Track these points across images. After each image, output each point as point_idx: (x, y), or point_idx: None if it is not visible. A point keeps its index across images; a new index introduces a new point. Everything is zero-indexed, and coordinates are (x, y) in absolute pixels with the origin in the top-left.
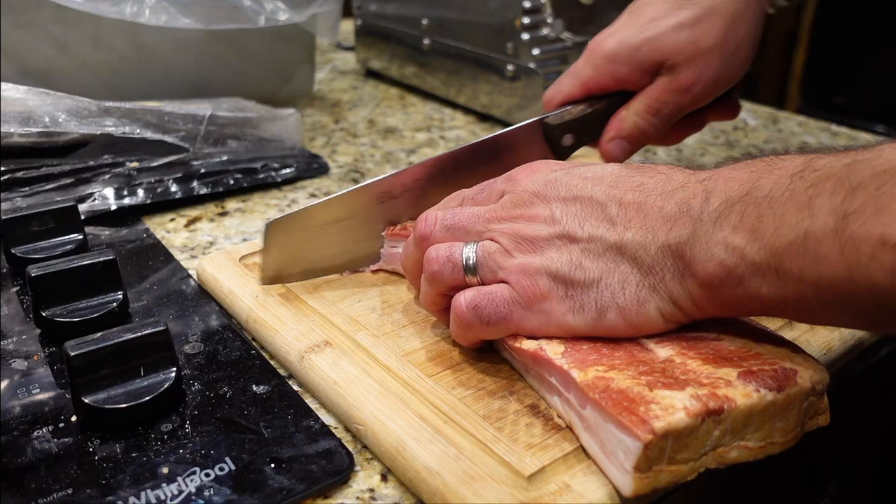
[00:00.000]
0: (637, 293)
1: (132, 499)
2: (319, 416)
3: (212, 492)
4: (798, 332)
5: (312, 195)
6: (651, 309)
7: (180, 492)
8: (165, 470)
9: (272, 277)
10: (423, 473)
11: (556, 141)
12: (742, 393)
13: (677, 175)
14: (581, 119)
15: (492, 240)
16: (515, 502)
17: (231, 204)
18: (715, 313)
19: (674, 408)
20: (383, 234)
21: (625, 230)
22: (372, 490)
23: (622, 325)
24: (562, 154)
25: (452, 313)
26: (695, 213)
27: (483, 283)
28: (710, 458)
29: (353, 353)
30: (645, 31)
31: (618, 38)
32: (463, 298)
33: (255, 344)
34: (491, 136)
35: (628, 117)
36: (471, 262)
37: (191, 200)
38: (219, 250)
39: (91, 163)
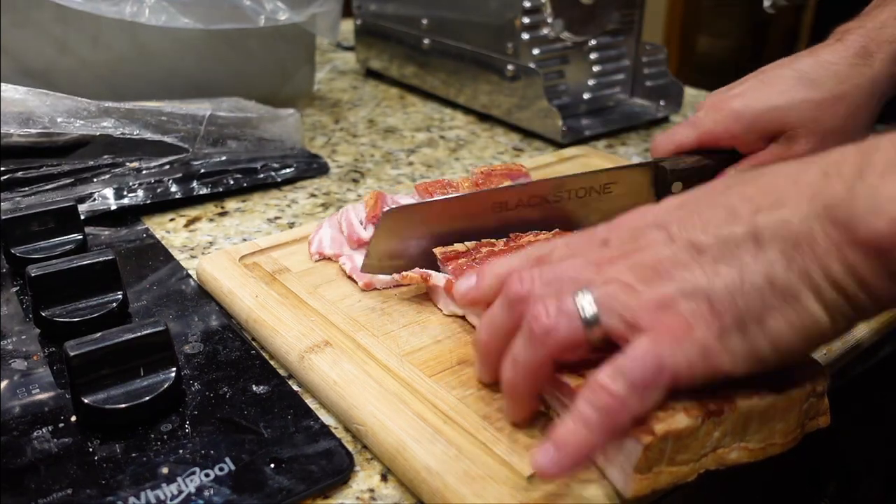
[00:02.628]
0: (787, 285)
1: (132, 499)
2: (319, 416)
3: (212, 492)
4: None
5: (312, 195)
6: (809, 303)
7: (180, 492)
8: (165, 470)
9: (377, 267)
10: (423, 473)
11: (664, 186)
12: (742, 395)
13: (811, 157)
14: (693, 170)
15: (607, 282)
16: (515, 502)
17: (231, 204)
18: (889, 298)
19: (673, 409)
20: (396, 277)
21: (755, 215)
22: (372, 490)
23: (787, 332)
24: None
25: (588, 396)
26: (848, 174)
27: (610, 334)
28: (711, 460)
29: (353, 353)
30: (773, 99)
31: (745, 99)
32: (603, 374)
33: (254, 344)
34: (606, 168)
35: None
36: (589, 311)
37: (191, 200)
38: (219, 250)
39: (91, 163)
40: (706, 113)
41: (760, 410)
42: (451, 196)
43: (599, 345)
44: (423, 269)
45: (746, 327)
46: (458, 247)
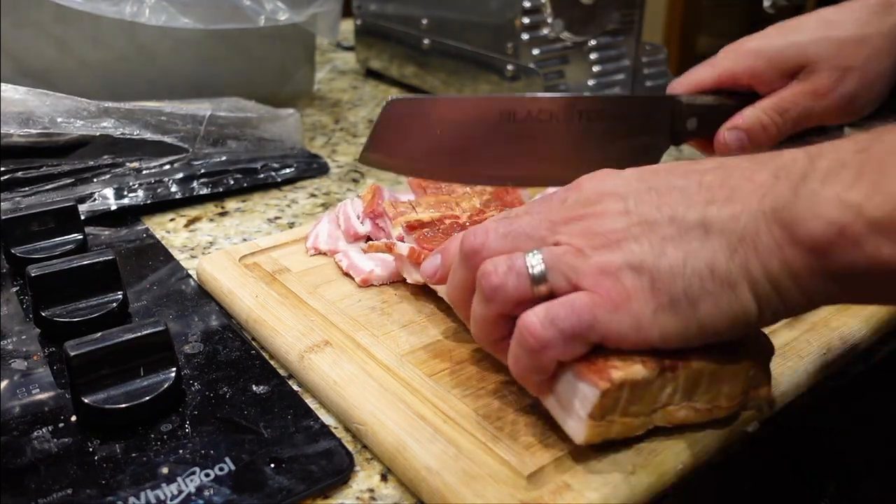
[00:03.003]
0: (727, 274)
1: (132, 499)
2: (319, 416)
3: (211, 492)
4: (798, 332)
5: (312, 195)
6: (743, 292)
7: (180, 492)
8: (165, 470)
9: (372, 158)
10: (423, 473)
11: (680, 121)
12: (695, 355)
13: (764, 153)
14: (711, 107)
15: (558, 243)
16: (515, 502)
17: (231, 204)
18: (822, 296)
19: (631, 360)
20: (363, 246)
21: (707, 205)
22: (372, 490)
23: (717, 317)
24: (680, 136)
25: (520, 336)
26: (795, 176)
27: (555, 294)
28: (660, 416)
29: (353, 353)
30: (793, 35)
31: (765, 38)
32: (533, 314)
33: (254, 344)
34: (624, 96)
35: (753, 112)
36: (538, 269)
37: (191, 200)
38: (219, 250)
39: (91, 163)
40: (724, 53)
41: (710, 372)
42: (459, 97)
43: (544, 300)
44: (389, 240)
45: (680, 307)
46: (423, 216)
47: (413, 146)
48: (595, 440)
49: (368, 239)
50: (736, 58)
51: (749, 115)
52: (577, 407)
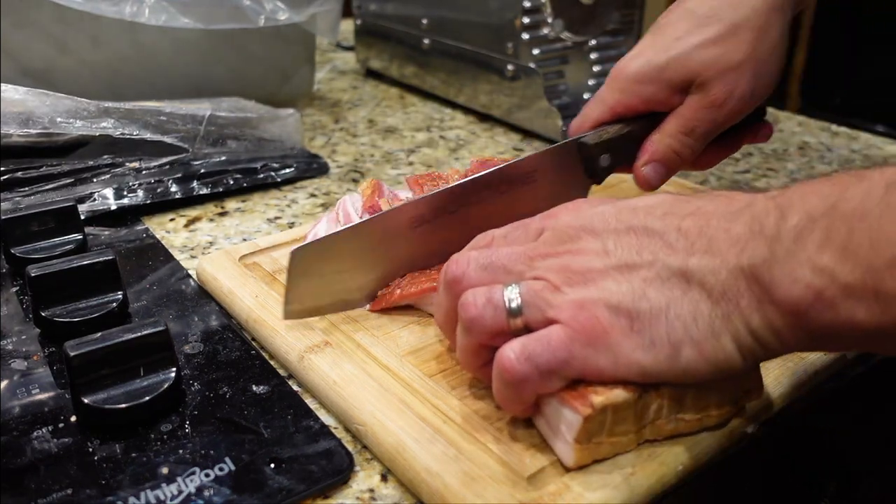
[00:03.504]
0: (710, 324)
1: (132, 499)
2: (319, 416)
3: (211, 492)
4: None
5: (312, 195)
6: (727, 343)
7: (180, 492)
8: (165, 470)
9: (298, 311)
10: (423, 474)
11: (593, 161)
12: None
13: (739, 196)
14: (618, 138)
15: (536, 278)
16: (515, 503)
17: (231, 204)
18: (801, 348)
19: (614, 386)
20: (367, 307)
21: (688, 255)
22: (372, 490)
23: (701, 363)
24: (599, 175)
25: (498, 371)
26: (769, 233)
27: (530, 328)
28: (649, 431)
29: (353, 353)
30: (670, 49)
31: (643, 59)
32: (509, 350)
33: (254, 344)
34: (526, 156)
35: (661, 140)
36: (514, 303)
37: (191, 200)
38: (219, 250)
39: (91, 163)
40: (608, 85)
41: (696, 385)
42: (359, 222)
43: (520, 333)
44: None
45: (662, 349)
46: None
47: (335, 286)
48: (585, 462)
49: None
50: (622, 90)
51: (660, 144)
52: (564, 431)
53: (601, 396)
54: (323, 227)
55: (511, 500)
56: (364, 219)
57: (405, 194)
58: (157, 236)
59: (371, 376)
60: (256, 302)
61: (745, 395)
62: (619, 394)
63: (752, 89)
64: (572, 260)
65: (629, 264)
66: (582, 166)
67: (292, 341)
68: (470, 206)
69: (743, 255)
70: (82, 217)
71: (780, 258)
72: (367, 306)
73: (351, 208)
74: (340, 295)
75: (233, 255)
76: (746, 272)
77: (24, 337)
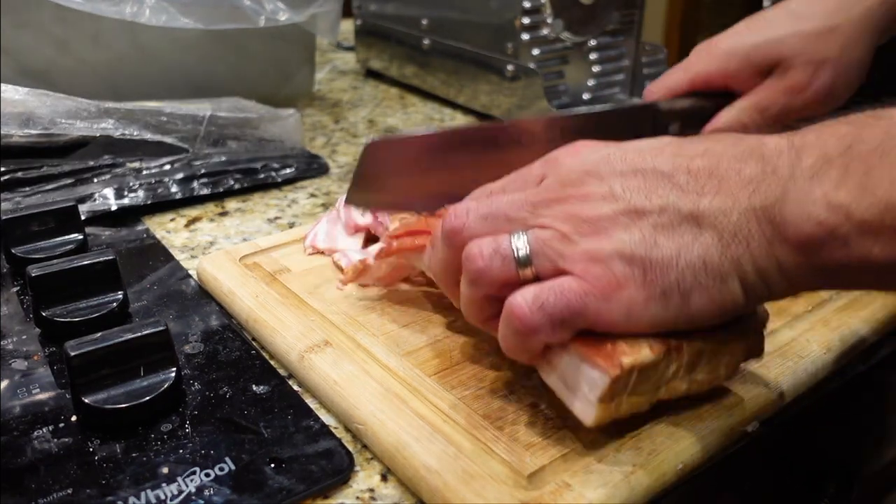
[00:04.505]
0: (719, 268)
1: (132, 499)
2: (319, 416)
3: (212, 492)
4: (798, 332)
5: (312, 195)
6: (734, 285)
7: (180, 492)
8: (165, 470)
9: (360, 200)
10: (423, 473)
11: (662, 127)
12: (698, 332)
13: (749, 138)
14: (691, 110)
15: (542, 227)
16: (515, 502)
17: (231, 204)
18: (807, 286)
19: (639, 345)
20: (374, 259)
21: (699, 197)
22: (372, 490)
23: (709, 308)
24: None
25: (508, 319)
26: (783, 172)
27: (540, 277)
28: (664, 391)
29: (353, 353)
30: (764, 31)
31: (734, 38)
32: (521, 298)
33: (255, 344)
34: (602, 109)
35: (731, 112)
36: (522, 252)
37: (191, 200)
38: (219, 250)
39: (91, 163)
40: (696, 55)
41: (711, 348)
42: (438, 131)
43: (529, 283)
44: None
45: (672, 298)
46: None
47: (398, 184)
48: (604, 421)
49: (368, 232)
50: (708, 59)
51: (729, 117)
52: (586, 391)
53: (629, 357)
54: (323, 227)
55: (511, 498)
56: (438, 130)
57: None
58: (158, 236)
59: (371, 376)
60: (257, 302)
61: (750, 356)
62: (646, 354)
63: (831, 87)
64: (580, 206)
65: (638, 209)
66: (651, 130)
67: (292, 341)
68: (540, 145)
69: (755, 196)
70: (83, 217)
71: (793, 197)
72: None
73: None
74: (402, 196)
75: (233, 255)
76: (758, 212)
77: (24, 337)
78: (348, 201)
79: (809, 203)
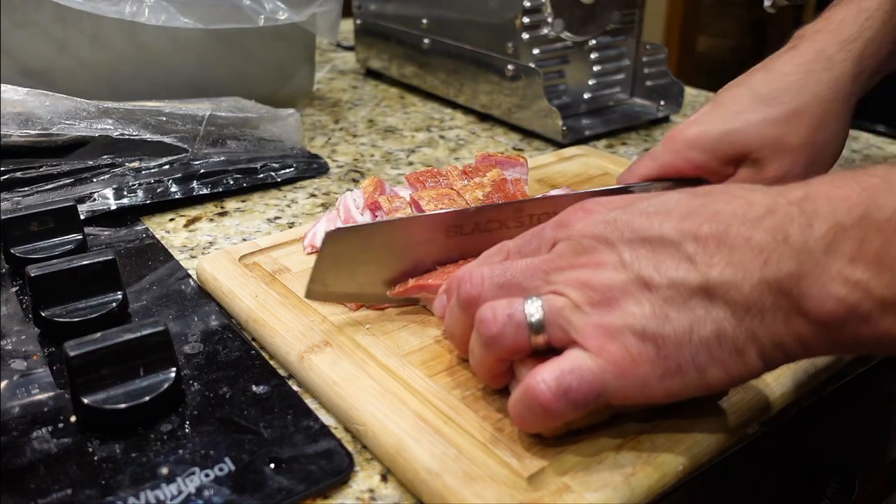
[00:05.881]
0: (734, 341)
1: (131, 499)
2: (319, 416)
3: (211, 492)
4: None
5: (312, 195)
6: (751, 358)
7: (180, 492)
8: (165, 470)
9: (320, 293)
10: (423, 474)
11: None
12: None
13: (759, 197)
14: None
15: (555, 293)
16: (515, 502)
17: (231, 204)
18: (826, 353)
19: None
20: (388, 293)
21: (708, 269)
22: (372, 490)
23: (725, 380)
24: None
25: (529, 402)
26: (796, 243)
27: (551, 343)
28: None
29: (353, 353)
30: (729, 122)
31: (700, 126)
32: (543, 384)
33: (254, 344)
34: (574, 193)
35: None
36: (535, 318)
37: (190, 200)
38: (218, 250)
39: (90, 163)
40: (664, 145)
41: None
42: (400, 217)
43: (542, 349)
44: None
45: (688, 373)
46: (428, 207)
47: (359, 276)
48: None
49: None
50: (676, 151)
51: None
52: None
53: None
54: (323, 226)
55: (511, 500)
56: (404, 216)
57: (406, 193)
58: (157, 236)
59: (371, 376)
60: (256, 302)
61: None
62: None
63: (805, 174)
64: (590, 274)
65: (647, 281)
66: None
67: (292, 341)
68: (509, 229)
69: (767, 268)
70: (82, 217)
71: (809, 271)
72: (388, 292)
73: (352, 204)
74: (364, 286)
75: (233, 255)
76: (772, 285)
77: (23, 337)
78: (308, 296)
79: (827, 279)
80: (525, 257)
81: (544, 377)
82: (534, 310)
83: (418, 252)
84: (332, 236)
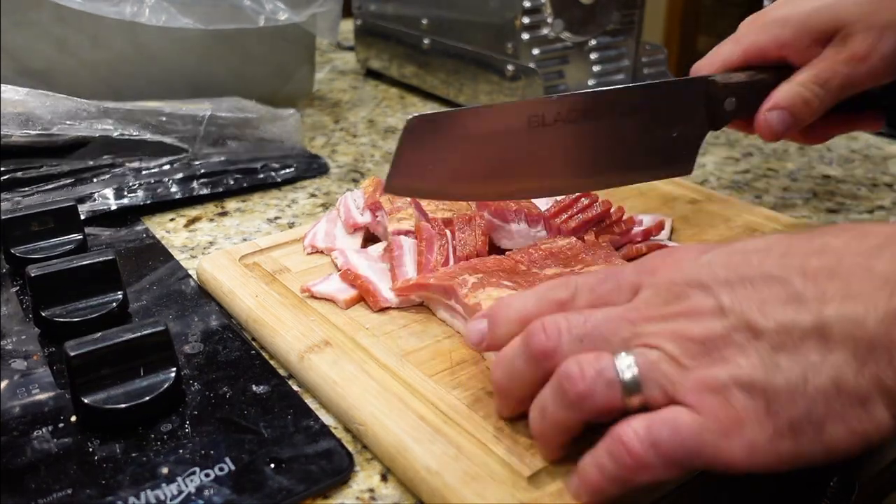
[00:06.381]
0: (856, 390)
1: (132, 499)
2: (319, 416)
3: (211, 492)
4: None
5: (312, 195)
6: (878, 410)
7: (180, 492)
8: (165, 470)
9: (401, 186)
10: (423, 473)
11: (717, 103)
12: None
13: (872, 227)
14: (747, 84)
15: (647, 346)
16: (515, 502)
17: (231, 204)
18: None
19: None
20: (390, 289)
21: (822, 305)
22: (372, 490)
23: (847, 438)
24: (720, 120)
25: (614, 452)
26: None
27: (648, 404)
28: None
29: (353, 353)
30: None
31: (788, 4)
32: (632, 431)
33: (254, 344)
34: (653, 82)
35: (792, 87)
36: (629, 375)
37: (191, 200)
38: (219, 250)
39: (91, 163)
40: (747, 27)
41: None
42: (481, 107)
43: (633, 412)
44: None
45: (803, 431)
46: (437, 214)
47: (441, 166)
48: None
49: (367, 232)
50: (761, 30)
51: (789, 92)
52: None
53: None
54: (322, 226)
55: (511, 499)
56: (481, 105)
57: None
58: (157, 236)
59: (371, 376)
60: (256, 302)
61: None
62: None
63: (892, 52)
64: (686, 324)
65: (752, 325)
66: (705, 106)
67: (292, 341)
68: (588, 121)
69: (895, 298)
70: (82, 217)
71: None
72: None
73: (352, 205)
74: (444, 181)
75: (233, 255)
76: None
77: (24, 337)
78: (388, 189)
79: None
80: (598, 298)
81: (633, 424)
82: (626, 365)
83: (500, 145)
84: (414, 122)
